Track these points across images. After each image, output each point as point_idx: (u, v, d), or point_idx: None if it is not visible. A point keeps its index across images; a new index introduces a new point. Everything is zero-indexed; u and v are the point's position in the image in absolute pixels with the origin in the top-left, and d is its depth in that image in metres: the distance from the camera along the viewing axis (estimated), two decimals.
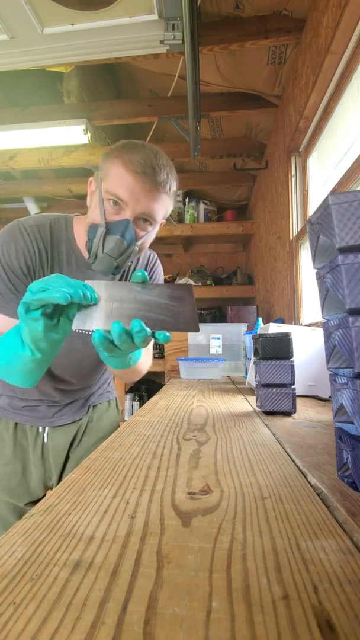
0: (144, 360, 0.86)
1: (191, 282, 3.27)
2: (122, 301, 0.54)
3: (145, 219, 0.74)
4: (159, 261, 1.02)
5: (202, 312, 3.29)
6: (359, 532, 0.30)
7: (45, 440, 0.99)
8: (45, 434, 0.99)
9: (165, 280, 3.30)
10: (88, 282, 0.53)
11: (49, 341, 0.55)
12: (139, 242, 0.76)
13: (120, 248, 0.73)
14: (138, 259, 0.95)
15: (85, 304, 0.52)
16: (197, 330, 0.56)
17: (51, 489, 1.02)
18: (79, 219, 0.85)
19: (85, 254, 0.81)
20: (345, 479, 0.40)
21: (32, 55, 1.62)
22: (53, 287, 0.49)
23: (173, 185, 0.75)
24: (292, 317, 1.93)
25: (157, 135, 2.70)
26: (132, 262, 0.89)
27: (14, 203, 3.73)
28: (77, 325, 0.51)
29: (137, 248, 0.76)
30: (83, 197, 3.58)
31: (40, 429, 0.98)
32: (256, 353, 0.85)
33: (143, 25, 1.46)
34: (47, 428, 0.99)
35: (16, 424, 0.97)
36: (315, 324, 1.56)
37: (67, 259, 0.82)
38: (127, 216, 0.72)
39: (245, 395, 1.16)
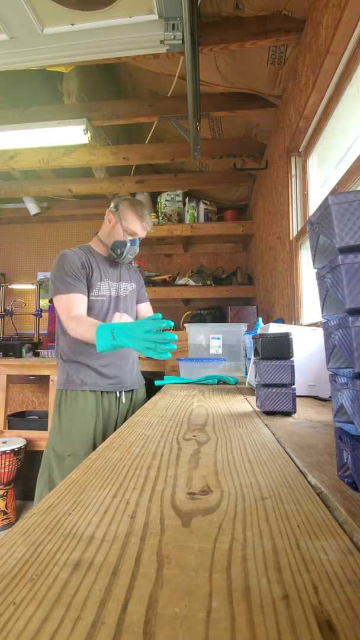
0: None
1: (191, 282, 3.27)
2: None
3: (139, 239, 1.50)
4: None
5: (202, 312, 3.28)
6: (359, 532, 0.30)
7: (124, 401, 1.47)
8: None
9: (165, 281, 3.30)
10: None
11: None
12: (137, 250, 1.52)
13: (134, 251, 1.50)
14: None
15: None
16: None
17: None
18: (93, 240, 1.53)
19: (106, 254, 1.51)
20: (345, 479, 0.40)
21: (32, 55, 1.61)
22: (161, 345, 1.06)
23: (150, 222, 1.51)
24: (292, 317, 1.93)
25: (157, 135, 2.70)
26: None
27: (14, 203, 3.73)
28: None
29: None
30: (83, 197, 3.58)
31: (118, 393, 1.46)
32: (256, 353, 0.85)
33: (143, 25, 1.46)
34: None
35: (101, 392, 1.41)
36: (315, 324, 1.56)
37: (95, 258, 1.46)
38: (137, 237, 1.49)
39: (245, 395, 1.16)
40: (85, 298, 1.36)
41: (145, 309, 1.68)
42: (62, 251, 1.41)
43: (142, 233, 1.47)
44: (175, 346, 1.07)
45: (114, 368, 1.42)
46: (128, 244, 1.45)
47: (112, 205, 1.49)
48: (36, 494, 1.32)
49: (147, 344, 1.05)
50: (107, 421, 1.40)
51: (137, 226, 1.45)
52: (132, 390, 1.50)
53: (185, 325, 2.00)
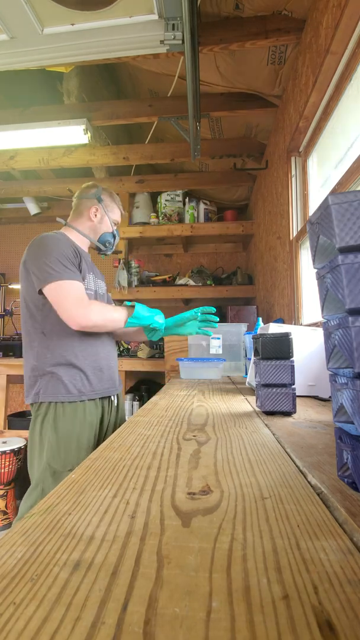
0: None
1: (191, 282, 3.27)
2: None
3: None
4: None
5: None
6: (359, 532, 0.30)
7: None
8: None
9: (165, 281, 3.30)
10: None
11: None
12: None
13: (117, 241, 1.49)
14: None
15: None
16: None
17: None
18: (66, 230, 1.38)
19: (85, 247, 1.40)
20: (345, 479, 0.40)
21: (32, 55, 1.61)
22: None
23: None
24: (292, 317, 1.93)
25: (157, 135, 2.70)
26: None
27: (14, 203, 3.73)
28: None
29: None
30: None
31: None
32: (256, 353, 0.85)
33: (143, 25, 1.46)
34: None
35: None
36: (315, 324, 1.56)
37: (80, 252, 1.30)
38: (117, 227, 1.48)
39: (245, 395, 1.16)
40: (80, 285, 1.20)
41: None
42: (47, 234, 1.22)
43: (120, 220, 1.48)
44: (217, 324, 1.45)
45: (107, 371, 1.30)
46: (116, 235, 1.45)
47: (88, 196, 1.37)
48: (21, 509, 1.15)
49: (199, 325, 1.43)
50: (105, 428, 1.30)
51: (119, 216, 1.45)
52: (118, 394, 1.41)
53: None
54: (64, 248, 1.20)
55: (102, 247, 1.43)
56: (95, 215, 1.38)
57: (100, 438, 1.28)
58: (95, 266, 1.40)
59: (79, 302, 1.14)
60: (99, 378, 1.26)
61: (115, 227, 1.44)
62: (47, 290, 1.14)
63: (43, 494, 1.11)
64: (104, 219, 1.39)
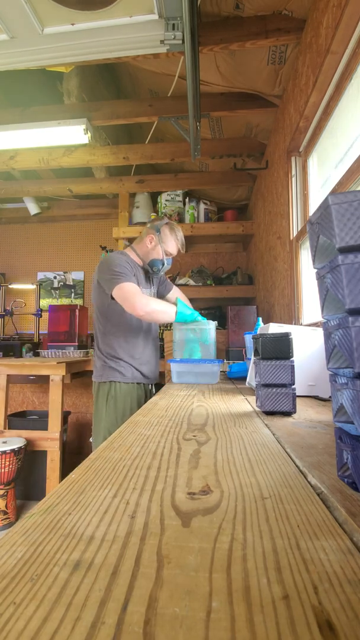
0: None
1: (191, 282, 3.27)
2: None
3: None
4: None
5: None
6: (359, 532, 0.30)
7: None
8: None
9: None
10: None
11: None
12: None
13: (168, 268, 1.77)
14: None
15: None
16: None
17: None
18: (129, 250, 1.75)
19: (141, 265, 1.75)
20: (345, 479, 0.40)
21: (32, 55, 1.61)
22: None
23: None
24: (292, 317, 1.93)
25: (157, 135, 2.70)
26: None
27: (14, 203, 3.73)
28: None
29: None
30: (83, 197, 3.58)
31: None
32: (256, 353, 0.85)
33: (143, 25, 1.45)
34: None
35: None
36: (315, 324, 1.56)
37: (136, 267, 1.69)
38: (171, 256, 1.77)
39: (245, 395, 1.16)
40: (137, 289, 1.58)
41: (177, 293, 2.00)
42: (110, 254, 1.66)
43: (176, 253, 1.76)
44: None
45: (149, 365, 1.71)
46: (165, 263, 1.73)
47: (152, 226, 1.72)
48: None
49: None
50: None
51: (175, 250, 1.73)
52: (156, 383, 1.84)
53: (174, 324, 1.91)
54: (125, 263, 1.58)
55: (149, 270, 1.75)
56: (151, 242, 1.69)
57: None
58: (154, 280, 1.83)
59: (139, 294, 1.51)
60: (141, 370, 1.68)
61: (166, 257, 1.72)
62: (114, 293, 1.51)
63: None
64: (156, 247, 1.69)
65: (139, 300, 1.48)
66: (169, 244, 1.70)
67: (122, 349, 1.64)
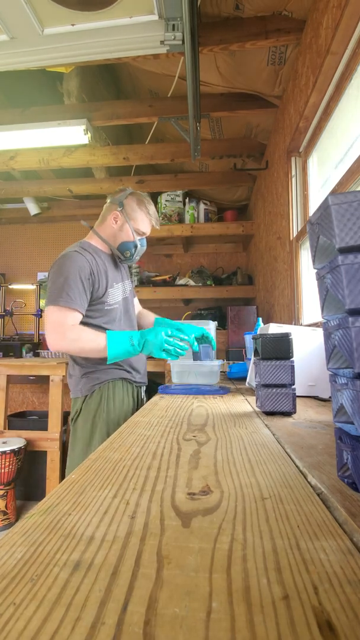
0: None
1: (191, 282, 3.27)
2: None
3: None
4: None
5: (202, 312, 3.29)
6: (359, 533, 0.30)
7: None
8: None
9: (165, 281, 3.30)
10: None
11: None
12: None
13: (143, 251, 1.42)
14: None
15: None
16: None
17: None
18: (90, 237, 1.41)
19: (109, 253, 1.40)
20: (345, 479, 0.40)
21: (32, 56, 1.61)
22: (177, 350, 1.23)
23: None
24: (292, 317, 1.93)
25: (157, 135, 2.70)
26: None
27: (14, 203, 3.73)
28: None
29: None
30: (83, 197, 3.58)
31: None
32: (256, 353, 0.85)
33: (143, 26, 1.46)
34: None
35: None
36: (315, 324, 1.56)
37: (103, 261, 1.34)
38: (144, 236, 1.41)
39: (245, 395, 1.16)
40: (80, 317, 1.24)
41: (142, 311, 1.66)
42: (68, 252, 1.26)
43: (149, 231, 1.40)
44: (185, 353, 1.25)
45: (137, 369, 1.42)
46: (138, 246, 1.37)
47: (113, 200, 1.36)
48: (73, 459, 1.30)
49: (165, 347, 1.20)
50: (134, 410, 1.38)
51: (147, 226, 1.37)
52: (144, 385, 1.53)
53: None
54: (77, 271, 1.21)
55: (121, 257, 1.38)
56: (115, 222, 1.34)
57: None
58: (124, 268, 1.46)
59: (58, 327, 1.18)
60: (131, 372, 1.41)
61: (138, 237, 1.35)
62: (45, 309, 1.23)
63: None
64: (124, 227, 1.34)
65: (53, 335, 1.19)
66: (139, 220, 1.34)
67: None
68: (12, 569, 0.25)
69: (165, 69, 2.01)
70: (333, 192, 1.12)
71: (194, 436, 0.62)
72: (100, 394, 1.31)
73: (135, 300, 1.61)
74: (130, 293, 1.48)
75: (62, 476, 2.36)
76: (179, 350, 1.22)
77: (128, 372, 1.37)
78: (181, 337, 1.26)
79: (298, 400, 0.98)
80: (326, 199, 0.36)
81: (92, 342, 1.19)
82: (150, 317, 1.61)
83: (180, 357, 1.25)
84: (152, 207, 1.38)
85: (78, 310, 1.21)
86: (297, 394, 0.83)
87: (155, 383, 1.80)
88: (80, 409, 1.31)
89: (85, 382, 1.31)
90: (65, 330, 1.18)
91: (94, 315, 1.29)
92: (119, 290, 1.39)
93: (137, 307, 1.64)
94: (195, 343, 1.34)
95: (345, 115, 1.45)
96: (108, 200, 1.39)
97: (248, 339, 1.58)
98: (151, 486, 0.40)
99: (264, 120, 2.36)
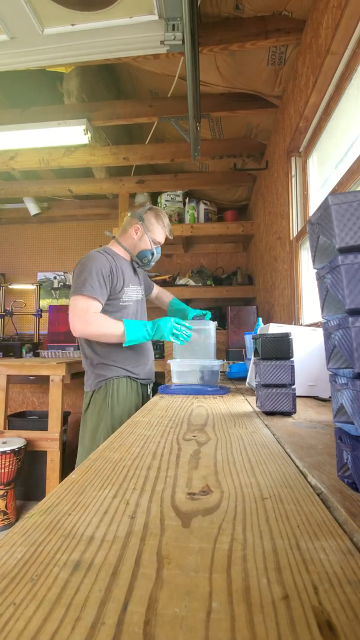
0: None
1: (191, 282, 3.27)
2: None
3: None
4: None
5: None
6: (359, 533, 0.30)
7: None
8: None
9: (165, 281, 3.30)
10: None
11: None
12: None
13: (158, 257, 1.66)
14: None
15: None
16: None
17: None
18: (112, 245, 1.62)
19: (128, 259, 1.61)
20: (345, 479, 0.40)
21: (32, 56, 1.61)
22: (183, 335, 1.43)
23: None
24: (292, 317, 1.93)
25: (157, 135, 2.70)
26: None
27: (14, 203, 3.73)
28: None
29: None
30: (83, 197, 3.58)
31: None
32: (256, 353, 0.85)
33: (143, 26, 1.46)
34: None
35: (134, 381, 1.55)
36: (315, 324, 1.56)
37: (122, 264, 1.53)
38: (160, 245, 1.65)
39: (245, 395, 1.16)
40: (100, 307, 1.41)
41: (161, 290, 1.93)
42: (91, 253, 1.47)
43: (164, 240, 1.65)
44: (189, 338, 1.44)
45: (143, 367, 1.57)
46: (155, 253, 1.62)
47: (133, 215, 1.60)
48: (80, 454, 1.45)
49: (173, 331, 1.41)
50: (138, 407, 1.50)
51: (162, 236, 1.62)
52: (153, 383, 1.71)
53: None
54: (99, 268, 1.41)
55: (139, 262, 1.63)
56: (136, 233, 1.58)
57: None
58: (141, 275, 1.68)
59: (86, 314, 1.36)
60: (135, 373, 1.55)
61: (154, 246, 1.61)
62: (70, 301, 1.40)
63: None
64: (143, 237, 1.58)
65: (78, 320, 1.35)
66: (156, 232, 1.59)
67: (113, 353, 1.48)
68: (12, 569, 0.25)
69: (165, 69, 2.01)
70: (333, 192, 1.12)
71: (194, 436, 0.62)
72: (105, 390, 1.45)
73: (157, 288, 1.91)
74: (142, 297, 1.68)
75: (62, 476, 2.36)
76: (185, 335, 1.43)
77: (132, 370, 1.50)
78: (185, 324, 1.47)
79: (298, 400, 0.98)
80: (326, 199, 0.36)
81: (113, 327, 1.37)
82: (166, 297, 1.93)
83: (185, 342, 1.45)
84: (166, 220, 1.63)
85: (99, 300, 1.39)
86: (297, 394, 0.83)
87: (156, 383, 1.80)
88: (89, 403, 1.47)
89: (94, 377, 1.48)
90: (89, 317, 1.36)
91: (110, 309, 1.46)
92: (134, 292, 1.57)
93: (156, 289, 1.92)
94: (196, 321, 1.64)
95: (345, 115, 1.45)
96: (129, 214, 1.63)
97: (248, 339, 1.58)
98: (151, 486, 0.40)
99: (264, 120, 2.36)
